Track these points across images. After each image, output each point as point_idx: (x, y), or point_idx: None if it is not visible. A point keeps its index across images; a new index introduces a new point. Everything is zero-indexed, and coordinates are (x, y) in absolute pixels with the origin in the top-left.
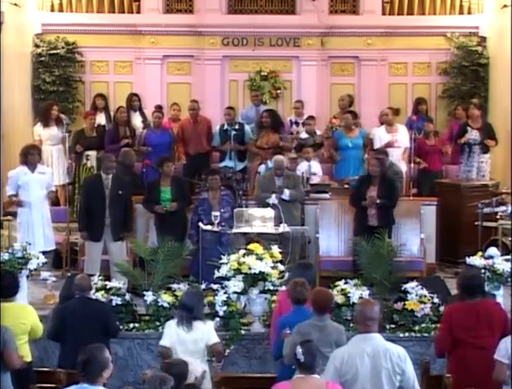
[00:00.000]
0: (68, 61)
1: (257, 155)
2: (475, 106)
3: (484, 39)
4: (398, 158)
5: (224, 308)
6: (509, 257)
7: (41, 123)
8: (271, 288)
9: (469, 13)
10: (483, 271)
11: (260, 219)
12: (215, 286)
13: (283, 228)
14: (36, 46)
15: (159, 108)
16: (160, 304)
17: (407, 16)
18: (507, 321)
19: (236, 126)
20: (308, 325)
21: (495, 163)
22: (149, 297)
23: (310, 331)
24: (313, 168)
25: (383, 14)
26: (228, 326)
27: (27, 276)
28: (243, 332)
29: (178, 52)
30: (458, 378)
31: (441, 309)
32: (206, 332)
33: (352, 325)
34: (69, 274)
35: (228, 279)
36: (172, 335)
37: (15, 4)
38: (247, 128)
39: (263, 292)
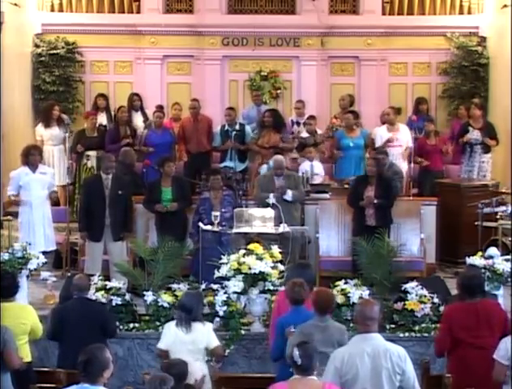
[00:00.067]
0: (68, 61)
1: (257, 153)
2: (476, 106)
3: (484, 39)
4: (398, 157)
5: (224, 308)
6: (509, 257)
7: (43, 123)
8: (271, 288)
9: (469, 13)
10: (483, 271)
11: (260, 219)
12: (215, 286)
13: (283, 228)
14: (36, 46)
15: (160, 108)
16: (160, 304)
17: (407, 16)
18: (507, 321)
19: (237, 127)
20: (310, 325)
21: (495, 163)
22: (149, 297)
23: (313, 332)
24: (315, 168)
25: (383, 14)
26: (228, 326)
27: (27, 276)
28: (243, 332)
29: (178, 52)
30: (458, 378)
31: (441, 309)
32: (205, 334)
33: (351, 325)
34: (69, 274)
35: (228, 279)
36: (171, 336)
37: (15, 4)
38: (248, 128)
39: (263, 292)
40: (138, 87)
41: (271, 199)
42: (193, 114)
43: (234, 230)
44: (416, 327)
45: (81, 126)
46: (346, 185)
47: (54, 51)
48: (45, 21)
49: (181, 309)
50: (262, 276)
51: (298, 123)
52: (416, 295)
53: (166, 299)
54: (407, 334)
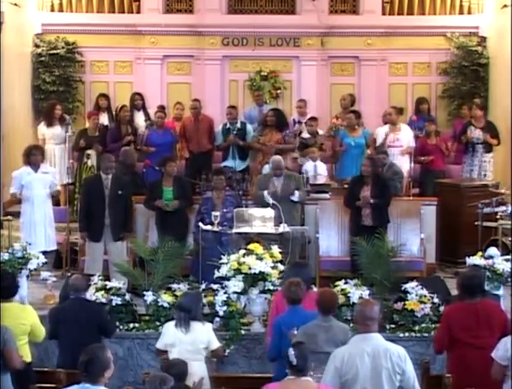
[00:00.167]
0: (68, 61)
1: (259, 151)
2: (478, 106)
3: (484, 39)
4: (399, 157)
5: (224, 308)
6: (509, 257)
7: (45, 122)
8: (271, 288)
9: (469, 13)
10: (483, 271)
11: (260, 219)
12: (215, 286)
13: (283, 228)
14: (36, 46)
15: (161, 108)
16: (160, 304)
17: (407, 16)
18: (507, 321)
19: (239, 125)
20: (314, 326)
21: (495, 163)
22: (149, 297)
23: (316, 332)
24: (318, 169)
25: (383, 14)
26: (228, 326)
27: (27, 276)
28: (243, 332)
29: (178, 52)
30: (458, 378)
31: (441, 309)
32: (205, 334)
33: (352, 325)
34: (69, 274)
35: (228, 279)
36: (170, 337)
37: (15, 4)
38: (249, 127)
39: (263, 292)
40: (138, 87)
41: (266, 196)
42: (194, 114)
43: (234, 230)
44: (416, 327)
45: (81, 126)
46: (346, 185)
47: (54, 51)
48: (45, 21)
49: (180, 309)
50: (262, 276)
51: (300, 122)
52: (416, 295)
53: (166, 299)
54: (407, 334)
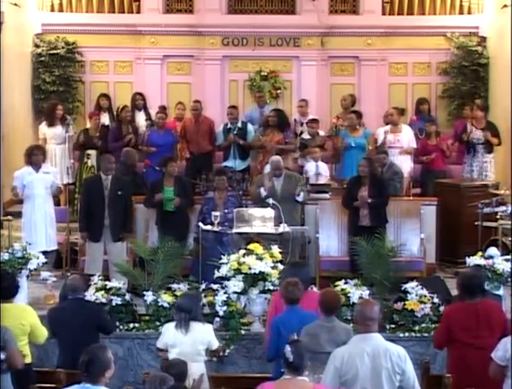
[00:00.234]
0: (68, 61)
1: (260, 150)
2: (479, 107)
3: (484, 39)
4: (399, 158)
5: (224, 308)
6: (509, 257)
7: (46, 122)
8: (271, 288)
9: (469, 13)
10: (483, 271)
11: (260, 219)
12: (215, 286)
13: (283, 228)
14: (36, 46)
15: (162, 108)
16: (160, 304)
17: (407, 16)
18: (507, 321)
19: (239, 125)
20: (316, 326)
21: (495, 163)
22: (149, 297)
23: (319, 332)
24: (320, 169)
25: (383, 14)
26: (228, 326)
27: (27, 276)
28: (243, 332)
29: (178, 52)
30: (458, 378)
31: (441, 309)
32: (205, 334)
33: (352, 325)
34: (69, 274)
35: (228, 279)
36: (170, 337)
37: (15, 4)
38: (250, 127)
39: (263, 292)
40: (138, 87)
41: (262, 193)
42: (194, 116)
43: (234, 230)
44: (416, 327)
45: (81, 126)
46: (346, 186)
47: (54, 51)
48: (45, 21)
49: (180, 310)
50: (262, 276)
51: (301, 123)
52: (416, 295)
53: (166, 299)
54: (407, 334)
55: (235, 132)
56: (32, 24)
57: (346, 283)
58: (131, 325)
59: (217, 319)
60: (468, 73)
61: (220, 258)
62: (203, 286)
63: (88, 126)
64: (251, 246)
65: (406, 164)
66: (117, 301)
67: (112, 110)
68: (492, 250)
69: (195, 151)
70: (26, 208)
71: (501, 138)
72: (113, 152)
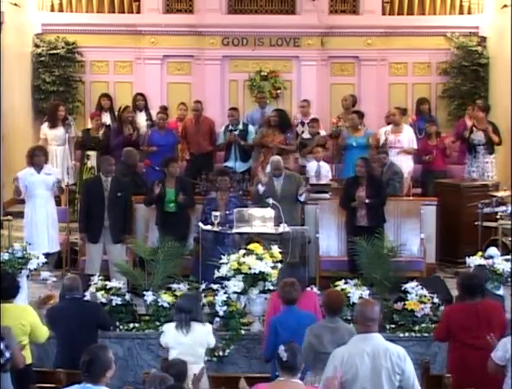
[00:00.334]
0: (68, 61)
1: (263, 146)
2: (480, 108)
3: (484, 39)
4: (400, 158)
5: (224, 308)
6: (509, 257)
7: (49, 124)
8: (271, 288)
9: (469, 13)
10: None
11: (260, 219)
12: (215, 286)
13: (283, 228)
14: (36, 46)
15: (163, 109)
16: (160, 304)
17: (407, 16)
18: (507, 321)
19: (241, 127)
20: (320, 326)
21: (496, 163)
22: (149, 297)
23: (322, 333)
24: (322, 169)
25: (383, 14)
26: (228, 326)
27: (27, 276)
28: (243, 332)
29: (178, 52)
30: (458, 378)
31: (441, 309)
32: (204, 336)
33: (351, 325)
34: (69, 274)
35: (228, 279)
36: (170, 338)
37: (15, 4)
38: (251, 128)
39: (263, 292)
40: (138, 87)
41: (260, 189)
42: (195, 116)
43: (234, 230)
44: (416, 327)
45: (81, 126)
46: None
47: (54, 51)
48: (45, 21)
49: (180, 310)
50: (262, 276)
51: (303, 123)
52: (416, 295)
53: (166, 299)
54: (407, 334)
55: (236, 133)
56: (32, 24)
57: (346, 283)
58: (131, 325)
59: (217, 319)
60: (468, 73)
61: (220, 258)
62: (203, 286)
63: (90, 126)
64: (251, 246)
65: (406, 164)
66: (117, 301)
67: (113, 110)
68: (492, 250)
69: (195, 152)
70: (27, 209)
71: (501, 137)
72: (114, 151)
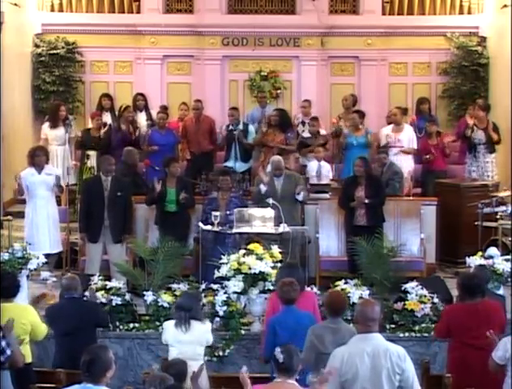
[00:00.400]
0: (68, 61)
1: (263, 146)
2: (480, 107)
3: (484, 39)
4: (400, 158)
5: (224, 308)
6: (509, 257)
7: (50, 124)
8: (271, 288)
9: (469, 13)
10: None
11: (260, 219)
12: (215, 286)
13: (283, 228)
14: (36, 46)
15: (163, 108)
16: (160, 304)
17: (407, 16)
18: (507, 321)
19: (241, 126)
20: (322, 327)
21: (496, 163)
22: (149, 297)
23: (323, 333)
24: (323, 168)
25: (383, 14)
26: (228, 326)
27: (27, 276)
28: (243, 332)
29: (178, 52)
30: (458, 378)
31: (441, 309)
32: (203, 334)
33: (351, 325)
34: (69, 274)
35: (228, 279)
36: (170, 336)
37: (15, 4)
38: (251, 128)
39: (263, 292)
40: (138, 87)
41: (263, 188)
42: (195, 115)
43: (234, 230)
44: (416, 327)
45: (81, 126)
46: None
47: (54, 51)
48: (45, 21)
49: (179, 308)
50: (262, 276)
51: (304, 123)
52: (416, 295)
53: (166, 299)
54: (407, 334)
55: (235, 132)
56: (32, 24)
57: (346, 283)
58: (131, 325)
59: (217, 319)
60: (468, 73)
61: (220, 258)
62: (203, 286)
63: (90, 126)
64: (251, 246)
65: (406, 164)
66: (117, 301)
67: (114, 110)
68: (492, 250)
69: (196, 151)
70: (28, 209)
71: (500, 136)
72: (115, 150)
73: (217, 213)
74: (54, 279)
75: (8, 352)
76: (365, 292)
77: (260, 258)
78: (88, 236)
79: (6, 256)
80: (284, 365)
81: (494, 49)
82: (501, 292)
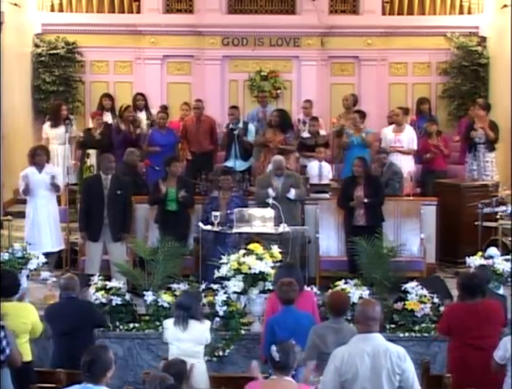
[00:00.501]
0: (68, 61)
1: (264, 146)
2: (480, 106)
3: (484, 39)
4: (400, 158)
5: (224, 308)
6: (509, 257)
7: (51, 123)
8: (271, 288)
9: (469, 13)
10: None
11: (260, 219)
12: (215, 286)
13: (283, 228)
14: (36, 46)
15: (164, 108)
16: (160, 304)
17: (407, 16)
18: (507, 321)
19: (241, 125)
20: (324, 327)
21: (496, 163)
22: (149, 297)
23: (325, 333)
24: (323, 169)
25: (383, 14)
26: (228, 326)
27: (27, 276)
28: (243, 332)
29: (178, 52)
30: (458, 378)
31: (441, 309)
32: (202, 334)
33: (351, 325)
34: (68, 274)
35: (228, 279)
36: (169, 334)
37: (15, 4)
38: (251, 127)
39: (263, 292)
40: (138, 87)
41: (270, 193)
42: (196, 114)
43: (234, 230)
44: (416, 327)
45: (81, 126)
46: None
47: (54, 51)
48: (45, 21)
49: (179, 307)
50: (262, 276)
51: (305, 123)
52: (416, 295)
53: (166, 299)
54: (407, 334)
55: (236, 132)
56: (32, 24)
57: (346, 283)
58: (131, 325)
59: (217, 319)
60: (468, 73)
61: (220, 258)
62: (203, 286)
63: (91, 125)
64: (251, 246)
65: (406, 164)
66: (117, 301)
67: (114, 110)
68: (492, 250)
69: (196, 150)
70: (29, 209)
71: (498, 135)
72: (117, 150)
73: (217, 213)
74: (54, 279)
75: (8, 351)
76: (365, 293)
77: (260, 258)
78: (88, 235)
79: (6, 256)
80: (280, 363)
81: (494, 49)
82: (501, 292)
